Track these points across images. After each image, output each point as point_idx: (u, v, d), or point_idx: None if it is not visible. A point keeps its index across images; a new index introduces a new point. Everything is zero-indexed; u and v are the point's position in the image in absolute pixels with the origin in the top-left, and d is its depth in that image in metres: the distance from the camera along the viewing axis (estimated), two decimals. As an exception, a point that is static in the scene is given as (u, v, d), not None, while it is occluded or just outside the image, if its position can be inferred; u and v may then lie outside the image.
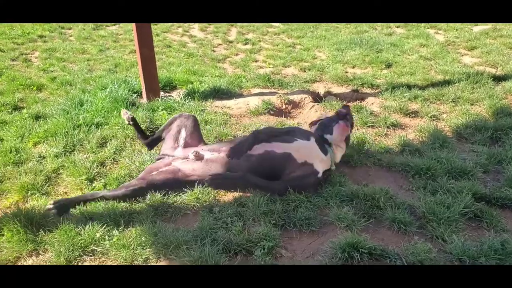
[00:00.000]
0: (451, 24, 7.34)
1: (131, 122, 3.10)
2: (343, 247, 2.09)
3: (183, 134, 2.96)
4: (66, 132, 3.44)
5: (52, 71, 5.48)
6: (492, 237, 2.20)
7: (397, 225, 2.32)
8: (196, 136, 2.97)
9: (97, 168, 2.95)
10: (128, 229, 2.33)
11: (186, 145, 2.91)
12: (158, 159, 2.91)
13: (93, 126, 3.58)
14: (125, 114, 3.12)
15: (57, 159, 3.10)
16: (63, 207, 2.50)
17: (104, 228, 2.31)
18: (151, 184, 2.61)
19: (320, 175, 2.66)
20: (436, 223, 2.31)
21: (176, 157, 2.83)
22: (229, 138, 3.35)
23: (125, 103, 3.94)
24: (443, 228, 2.27)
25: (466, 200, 2.44)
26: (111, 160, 3.09)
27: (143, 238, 2.21)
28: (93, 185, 2.79)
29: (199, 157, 2.73)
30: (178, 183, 2.66)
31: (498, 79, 4.59)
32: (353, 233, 2.24)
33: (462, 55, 5.76)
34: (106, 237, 2.26)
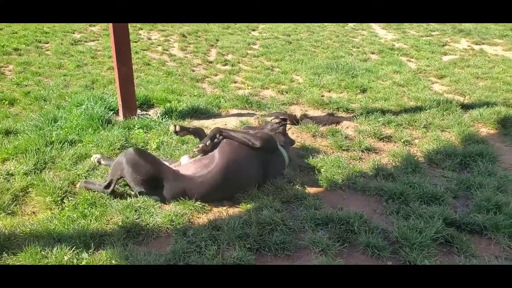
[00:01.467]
0: (422, 53, 7.64)
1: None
2: (318, 272, 2.08)
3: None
4: (38, 149, 3.34)
5: (26, 85, 5.36)
6: (462, 263, 2.24)
7: (371, 250, 2.34)
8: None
9: (68, 187, 2.87)
10: (99, 251, 2.26)
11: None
12: None
13: (67, 143, 3.50)
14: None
15: (26, 177, 2.99)
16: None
17: (73, 250, 2.23)
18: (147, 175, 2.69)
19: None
20: (409, 248, 2.34)
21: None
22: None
23: (100, 120, 3.88)
24: (415, 253, 2.30)
25: (438, 225, 2.50)
26: (83, 179, 3.01)
27: (113, 262, 2.15)
28: (63, 205, 2.71)
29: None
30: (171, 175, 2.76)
31: (466, 107, 4.78)
32: (327, 257, 2.25)
33: (433, 83, 5.98)
34: (75, 260, 2.19)
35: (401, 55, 7.56)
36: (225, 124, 4.10)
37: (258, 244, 2.35)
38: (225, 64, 6.97)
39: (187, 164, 2.88)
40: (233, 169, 2.78)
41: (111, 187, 2.76)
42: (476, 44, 8.59)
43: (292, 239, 2.41)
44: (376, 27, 10.50)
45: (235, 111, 4.61)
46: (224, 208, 2.74)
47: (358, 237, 2.44)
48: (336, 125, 4.25)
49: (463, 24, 10.28)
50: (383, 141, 3.87)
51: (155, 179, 2.71)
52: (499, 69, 6.61)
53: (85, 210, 2.61)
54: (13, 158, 3.27)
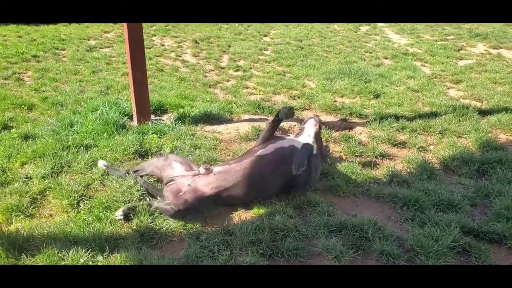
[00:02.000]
0: (437, 58, 7.55)
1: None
2: (331, 279, 2.07)
3: (176, 164, 2.94)
4: (55, 153, 3.40)
5: (44, 91, 5.47)
6: (480, 272, 2.20)
7: (385, 258, 2.31)
8: (189, 163, 2.96)
9: (83, 191, 2.91)
10: (113, 254, 2.28)
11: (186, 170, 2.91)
12: (166, 184, 2.83)
13: (82, 147, 3.55)
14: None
15: (44, 180, 3.05)
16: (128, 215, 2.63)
17: (89, 253, 2.26)
18: (186, 205, 2.61)
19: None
20: (425, 256, 2.30)
21: (186, 175, 2.79)
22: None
23: (115, 125, 3.92)
24: (431, 261, 2.26)
25: (455, 233, 2.45)
26: (98, 183, 3.05)
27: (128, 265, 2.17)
28: (79, 208, 2.74)
29: (209, 170, 2.77)
30: (203, 201, 2.67)
31: (483, 112, 4.70)
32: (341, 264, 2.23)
33: (448, 88, 5.90)
34: (90, 263, 2.21)
35: (415, 60, 7.50)
36: (237, 129, 4.11)
37: (270, 250, 2.34)
38: (237, 70, 7.01)
39: (209, 176, 2.80)
40: (255, 182, 2.77)
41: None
42: (494, 48, 8.47)
43: (305, 246, 2.40)
44: (389, 31, 10.44)
45: (247, 116, 4.62)
46: (237, 213, 2.74)
47: (372, 244, 2.41)
48: (349, 131, 4.23)
49: (479, 27, 10.16)
50: (397, 147, 3.83)
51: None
52: (517, 74, 6.50)
53: (100, 213, 2.64)
54: (31, 162, 3.33)
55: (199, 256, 2.26)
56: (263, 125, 4.17)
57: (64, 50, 8.05)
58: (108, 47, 8.46)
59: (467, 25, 10.80)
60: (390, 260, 2.29)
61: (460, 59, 7.56)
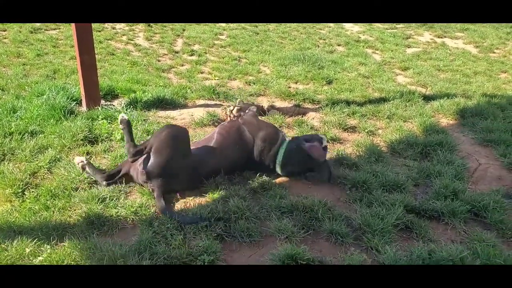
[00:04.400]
0: (387, 45, 7.83)
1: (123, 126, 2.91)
2: (283, 259, 2.13)
3: None
4: (-5, 140, 3.21)
5: (-18, 75, 5.11)
6: (421, 247, 2.34)
7: (335, 237, 2.41)
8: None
9: (29, 179, 2.79)
10: (61, 243, 2.22)
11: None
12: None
13: (27, 134, 3.38)
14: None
15: (-17, 169, 2.88)
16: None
17: (35, 243, 2.18)
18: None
19: None
20: (371, 234, 2.42)
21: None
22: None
23: (63, 110, 3.76)
24: (377, 239, 2.38)
25: (398, 212, 2.59)
26: (45, 170, 2.93)
27: (76, 253, 2.11)
28: (24, 197, 2.62)
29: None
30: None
31: (427, 98, 4.96)
32: (292, 244, 2.29)
33: (397, 75, 6.15)
34: (36, 252, 2.13)
35: (366, 47, 7.72)
36: (192, 115, 4.07)
37: (224, 233, 2.37)
38: (192, 55, 6.90)
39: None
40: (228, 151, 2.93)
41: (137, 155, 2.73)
42: (439, 37, 8.88)
43: (258, 227, 2.44)
44: (343, 19, 10.66)
45: (202, 101, 4.58)
46: (191, 198, 2.73)
47: (322, 224, 2.50)
48: (302, 116, 4.31)
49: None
50: (347, 132, 3.96)
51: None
52: (459, 61, 6.88)
53: (48, 201, 2.55)
54: (-32, 150, 3.13)
55: (152, 241, 2.24)
56: (218, 111, 4.16)
57: (4, 31, 7.54)
58: (54, 29, 8.02)
59: (415, 14, 11.23)
60: (339, 239, 2.39)
61: (408, 47, 7.88)
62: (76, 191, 2.71)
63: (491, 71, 6.42)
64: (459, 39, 8.73)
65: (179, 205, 2.66)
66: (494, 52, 7.76)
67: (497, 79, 6.08)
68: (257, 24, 9.43)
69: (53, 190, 2.66)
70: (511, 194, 3.01)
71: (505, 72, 6.50)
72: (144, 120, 3.84)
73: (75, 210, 2.52)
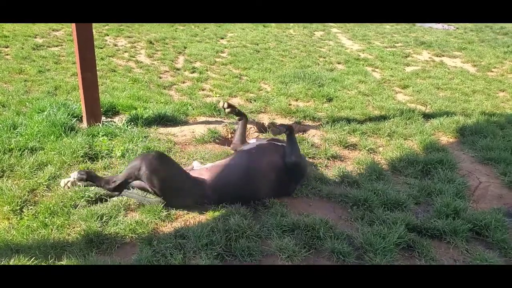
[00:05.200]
0: (387, 63, 7.89)
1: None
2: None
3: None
4: (-5, 156, 3.20)
5: (-17, 91, 5.13)
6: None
7: (336, 256, 2.38)
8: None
9: (28, 196, 2.77)
10: (59, 262, 2.19)
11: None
12: None
13: (27, 150, 3.37)
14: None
15: (-17, 185, 2.86)
16: None
17: (32, 261, 2.15)
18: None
19: None
20: (373, 253, 2.40)
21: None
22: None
23: (63, 127, 3.76)
24: (379, 258, 2.36)
25: (400, 230, 2.57)
26: (44, 188, 2.91)
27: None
28: (22, 214, 2.60)
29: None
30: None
31: (427, 116, 4.98)
32: (293, 264, 2.26)
33: (396, 93, 6.18)
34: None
35: (366, 65, 7.78)
36: (193, 132, 4.08)
37: (224, 252, 2.34)
38: (193, 72, 6.95)
39: (201, 170, 2.90)
40: (251, 178, 2.85)
41: (120, 190, 2.66)
42: (437, 56, 8.96)
43: (258, 246, 2.42)
44: (342, 37, 10.77)
45: (203, 118, 4.59)
46: (191, 215, 2.71)
47: (324, 243, 2.47)
48: (303, 133, 4.32)
49: (425, 36, 10.72)
50: (348, 149, 3.96)
51: (174, 186, 2.68)
52: (458, 80, 6.93)
53: (46, 219, 2.52)
54: (-32, 166, 3.11)
55: (152, 260, 2.21)
56: (219, 128, 4.17)
57: (7, 47, 7.60)
58: (57, 45, 8.09)
59: (414, 33, 11.36)
60: (341, 258, 2.36)
61: (407, 66, 7.94)
62: (75, 208, 2.69)
63: (489, 90, 6.46)
64: (457, 58, 8.81)
65: (177, 223, 2.63)
66: (491, 71, 7.81)
67: (495, 97, 6.11)
68: (258, 42, 9.53)
69: (51, 208, 2.64)
70: (513, 213, 2.99)
71: (503, 91, 6.53)
72: (145, 137, 3.83)
73: (73, 228, 2.50)
